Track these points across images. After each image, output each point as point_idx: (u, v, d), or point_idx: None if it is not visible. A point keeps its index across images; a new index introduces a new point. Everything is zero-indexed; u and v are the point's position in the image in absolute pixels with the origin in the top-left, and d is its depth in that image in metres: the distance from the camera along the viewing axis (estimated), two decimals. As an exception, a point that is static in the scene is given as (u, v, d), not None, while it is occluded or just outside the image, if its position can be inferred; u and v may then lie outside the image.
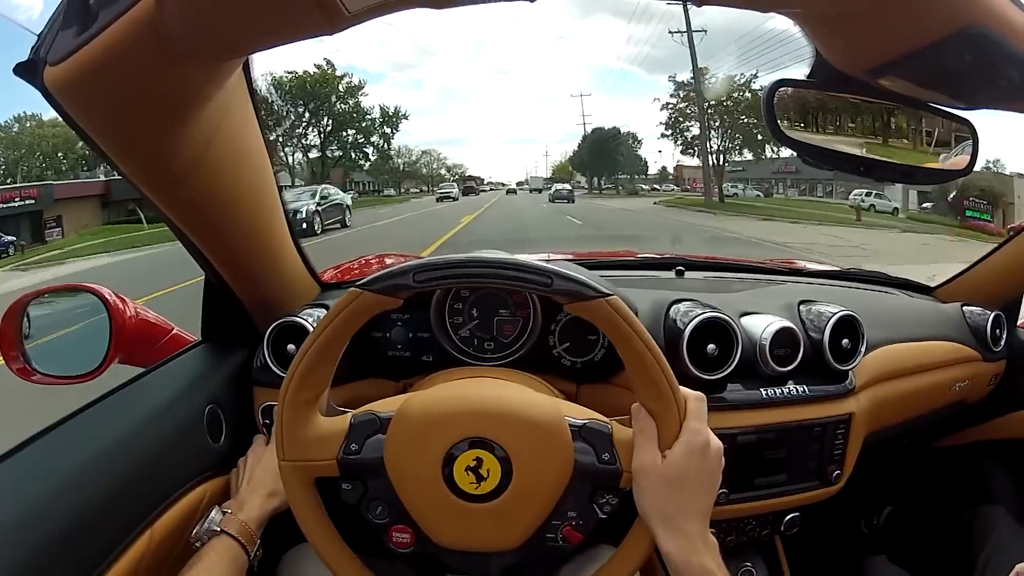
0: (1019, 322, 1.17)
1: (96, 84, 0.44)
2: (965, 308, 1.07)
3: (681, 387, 0.55)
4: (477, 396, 0.58)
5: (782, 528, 0.87)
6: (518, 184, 59.40)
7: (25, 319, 0.91)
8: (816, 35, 0.53)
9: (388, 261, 1.17)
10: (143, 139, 0.52)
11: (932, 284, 1.19)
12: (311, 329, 0.76)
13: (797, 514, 0.87)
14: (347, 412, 0.59)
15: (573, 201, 27.37)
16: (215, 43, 0.45)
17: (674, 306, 0.80)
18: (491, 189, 56.73)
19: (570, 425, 0.55)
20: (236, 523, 0.67)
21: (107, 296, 0.87)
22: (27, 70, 0.45)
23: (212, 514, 0.67)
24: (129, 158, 0.54)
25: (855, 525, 1.20)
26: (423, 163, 51.25)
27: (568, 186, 33.68)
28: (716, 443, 0.56)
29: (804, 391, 0.81)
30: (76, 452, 0.60)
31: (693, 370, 0.76)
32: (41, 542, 0.51)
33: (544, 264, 0.54)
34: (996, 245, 1.10)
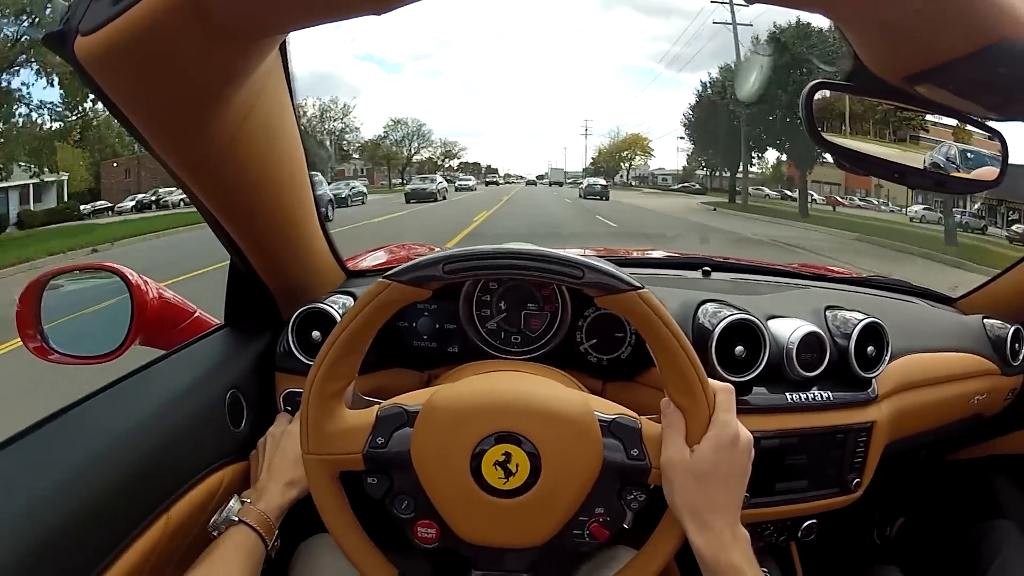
0: None
1: (130, 57, 0.42)
2: (986, 320, 1.07)
3: (710, 379, 0.55)
4: (507, 390, 0.57)
5: (799, 534, 0.87)
6: (538, 177, 56.66)
7: (43, 298, 0.90)
8: (856, 38, 0.53)
9: (412, 252, 1.17)
10: (176, 116, 0.51)
11: (954, 295, 1.18)
12: (336, 316, 0.76)
13: (815, 521, 0.87)
14: (373, 403, 0.59)
15: (607, 198, 24.33)
16: (258, 19, 0.44)
17: (703, 306, 0.80)
18: (507, 182, 54.38)
19: (599, 421, 0.55)
20: (254, 513, 0.66)
21: (129, 276, 0.86)
22: (57, 40, 0.43)
23: (231, 503, 0.66)
24: (160, 135, 0.53)
25: (867, 535, 1.19)
26: (442, 153, 46.71)
27: (602, 180, 29.71)
28: (746, 435, 0.55)
29: (828, 397, 0.81)
30: (94, 434, 0.59)
31: (721, 371, 0.75)
32: (56, 525, 0.50)
33: (576, 256, 0.53)
34: (1020, 258, 1.09)
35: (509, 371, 0.69)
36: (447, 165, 47.98)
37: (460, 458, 0.53)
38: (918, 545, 1.14)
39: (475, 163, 58.44)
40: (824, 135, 0.66)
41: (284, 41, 0.59)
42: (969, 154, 0.70)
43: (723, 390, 0.56)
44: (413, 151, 42.02)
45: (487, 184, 40.96)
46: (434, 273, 0.53)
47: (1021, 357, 1.06)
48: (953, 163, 0.69)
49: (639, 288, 0.53)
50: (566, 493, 0.54)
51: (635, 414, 0.58)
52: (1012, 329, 1.05)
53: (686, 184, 37.87)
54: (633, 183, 45.93)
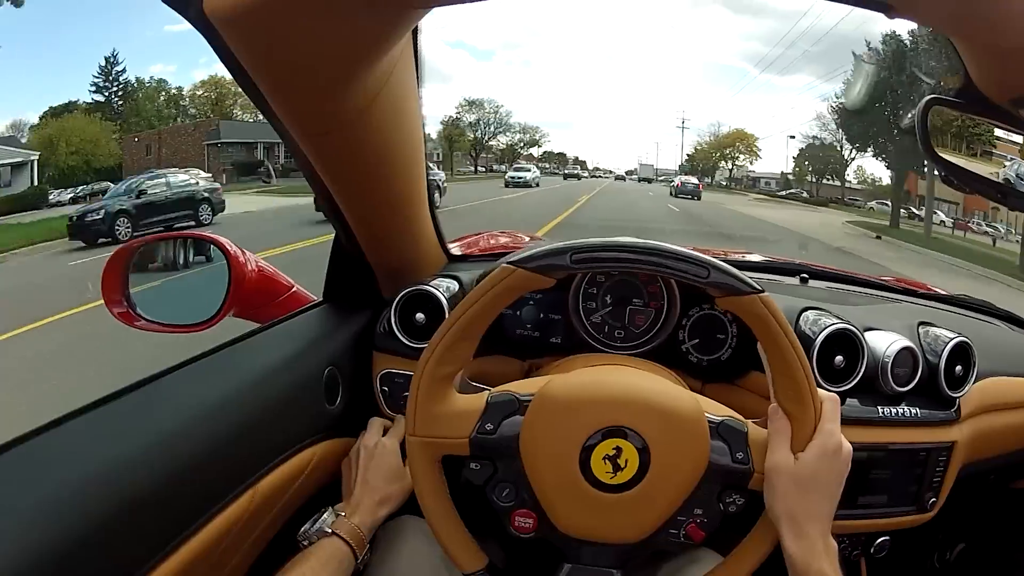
0: None
1: (264, 19, 0.41)
2: None
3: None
4: (619, 384, 0.58)
5: (872, 550, 0.86)
6: (627, 172, 54.74)
7: (136, 264, 0.92)
8: (972, 60, 0.53)
9: (512, 239, 1.17)
10: (307, 86, 0.50)
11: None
12: (442, 298, 0.77)
13: (888, 538, 0.86)
14: (482, 389, 0.59)
15: (700, 198, 23.54)
16: None
17: (804, 313, 0.80)
18: (592, 176, 51.58)
19: (708, 421, 0.55)
20: (348, 527, 0.66)
21: (228, 247, 0.88)
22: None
23: (324, 515, 0.67)
24: (288, 103, 0.52)
25: (928, 558, 1.18)
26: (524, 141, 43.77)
27: (694, 179, 28.17)
28: (847, 446, 0.56)
29: (916, 413, 0.81)
30: (186, 402, 0.59)
31: (820, 380, 0.75)
32: (146, 486, 0.49)
33: (702, 255, 0.54)
34: None
35: (620, 365, 0.69)
36: (527, 153, 45.30)
37: (570, 449, 0.54)
38: (977, 572, 1.13)
39: (560, 153, 56.65)
40: (938, 151, 0.67)
41: (416, 28, 0.61)
42: None
43: (829, 399, 0.57)
44: (488, 135, 40.03)
45: (565, 177, 37.50)
46: (562, 262, 0.54)
47: None
48: (1021, 179, 0.69)
49: (761, 292, 0.53)
50: (670, 491, 0.54)
51: (742, 417, 0.58)
52: None
53: (793, 191, 34.78)
54: (730, 185, 42.45)
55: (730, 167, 44.20)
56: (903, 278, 1.23)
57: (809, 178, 34.79)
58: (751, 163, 43.44)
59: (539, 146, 46.67)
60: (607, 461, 0.54)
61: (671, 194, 25.35)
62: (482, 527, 0.60)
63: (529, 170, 27.22)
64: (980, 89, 0.56)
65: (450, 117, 39.05)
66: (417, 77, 0.65)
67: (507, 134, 41.90)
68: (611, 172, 57.42)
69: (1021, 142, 0.73)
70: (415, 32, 0.60)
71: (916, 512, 0.84)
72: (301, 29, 0.42)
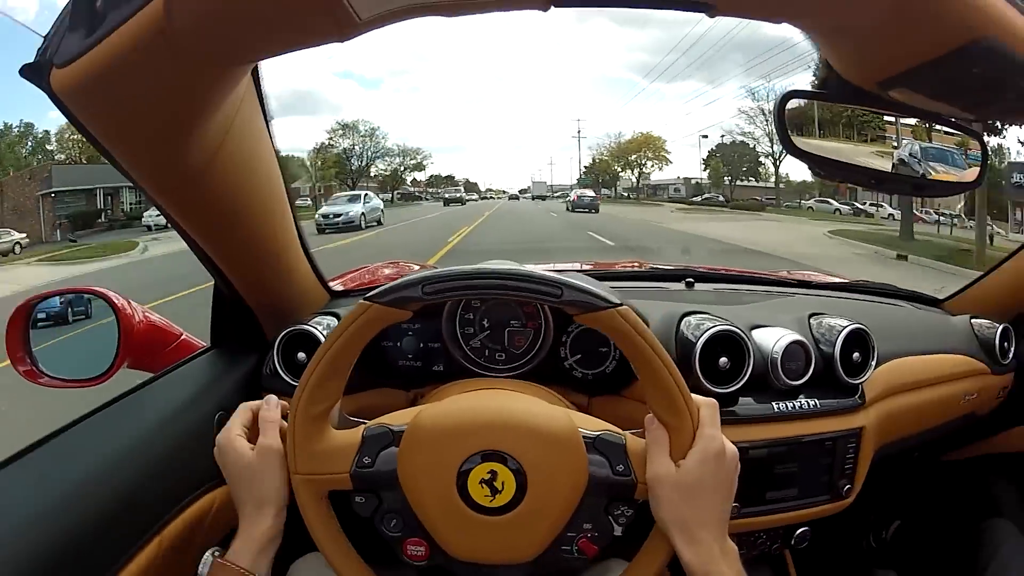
0: None
1: (104, 87, 0.44)
2: (974, 321, 1.07)
3: (693, 394, 0.55)
4: (490, 408, 0.58)
5: (792, 542, 0.87)
6: (520, 191, 54.15)
7: (32, 321, 0.91)
8: (827, 46, 0.53)
9: (398, 270, 1.17)
10: (151, 144, 0.52)
11: (940, 296, 1.18)
12: (321, 337, 0.76)
13: (807, 528, 0.86)
14: (359, 423, 0.59)
15: (597, 211, 22.20)
16: (224, 48, 0.45)
17: (685, 319, 0.80)
18: (483, 198, 48.48)
19: (584, 437, 0.55)
20: (227, 570, 0.57)
21: (115, 300, 0.87)
22: (34, 72, 0.44)
23: (203, 560, 0.60)
24: (137, 162, 0.54)
25: (863, 539, 1.19)
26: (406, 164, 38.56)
27: (591, 192, 27.01)
28: (731, 449, 0.56)
29: (815, 405, 0.81)
30: (85, 457, 0.60)
31: (705, 383, 0.75)
32: (49, 547, 0.50)
33: (554, 275, 0.54)
34: (1005, 257, 1.10)
35: (493, 389, 0.69)
36: (411, 179, 40.91)
37: (446, 476, 0.54)
38: (915, 547, 1.14)
39: (448, 176, 53.68)
40: (797, 143, 0.66)
41: (256, 67, 0.60)
42: (931, 150, 0.70)
43: (707, 405, 0.56)
44: (366, 161, 35.01)
45: (446, 203, 30.88)
46: (414, 294, 0.53)
47: (1011, 355, 1.07)
48: (915, 159, 0.70)
49: (618, 305, 0.53)
50: (552, 509, 0.54)
51: (620, 430, 0.58)
52: (1000, 328, 1.05)
53: (708, 196, 32.50)
54: (634, 196, 39.72)
55: (636, 175, 40.69)
56: (795, 271, 1.24)
57: (727, 180, 32.97)
58: (660, 168, 40.07)
59: (423, 170, 41.48)
60: (484, 485, 0.53)
61: (568, 209, 23.82)
62: (380, 557, 0.60)
63: (358, 199, 16.73)
64: (844, 77, 0.56)
65: (321, 144, 34.85)
66: (265, 117, 0.65)
67: (386, 158, 36.83)
68: (504, 192, 56.77)
69: (913, 124, 0.74)
70: (255, 73, 0.60)
71: (831, 500, 0.84)
72: (132, 97, 0.46)
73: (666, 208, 28.74)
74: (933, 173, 0.69)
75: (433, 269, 0.57)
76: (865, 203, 24.01)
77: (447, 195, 35.16)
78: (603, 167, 43.33)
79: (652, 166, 39.75)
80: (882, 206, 22.32)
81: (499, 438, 0.54)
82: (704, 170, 35.84)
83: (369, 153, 35.66)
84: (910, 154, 0.70)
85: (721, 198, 31.73)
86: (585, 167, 45.39)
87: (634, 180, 41.55)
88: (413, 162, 39.05)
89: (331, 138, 35.00)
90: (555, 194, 44.24)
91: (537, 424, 0.55)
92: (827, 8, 0.46)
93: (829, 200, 25.95)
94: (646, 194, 40.37)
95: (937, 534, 1.13)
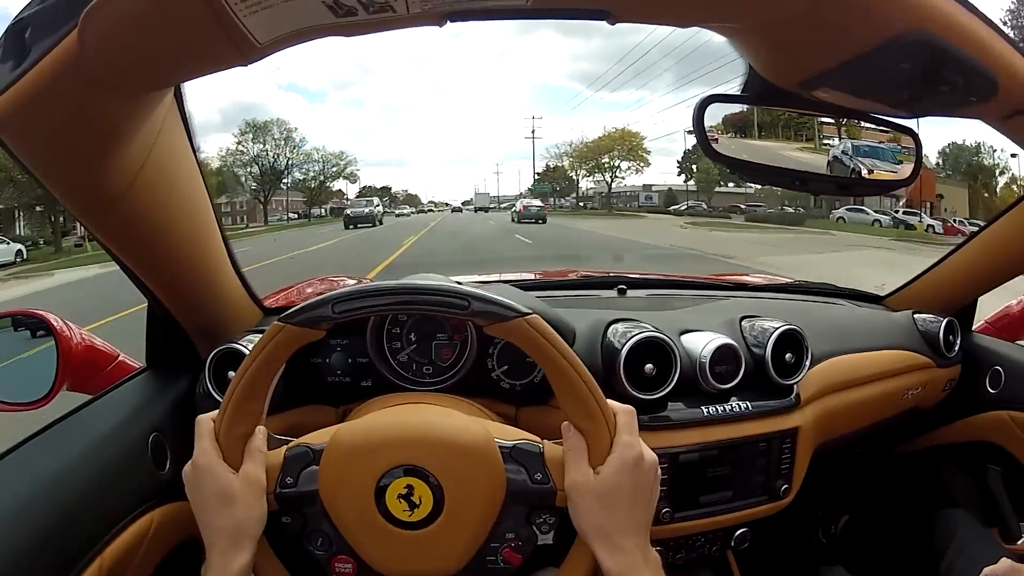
0: (974, 326, 1.19)
1: (28, 117, 0.46)
2: (916, 316, 1.09)
3: (610, 401, 0.55)
4: (405, 424, 0.58)
5: (732, 543, 0.88)
6: (463, 203, 52.59)
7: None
8: (745, 48, 0.53)
9: (332, 285, 1.17)
10: (73, 168, 0.53)
11: (881, 293, 1.20)
12: None
13: (747, 529, 0.87)
14: (286, 442, 0.59)
15: (545, 221, 21.36)
16: (134, 76, 0.47)
17: (612, 326, 0.81)
18: (420, 212, 45.95)
19: (500, 447, 0.56)
20: None
21: (53, 322, 0.87)
22: None
23: None
24: (62, 186, 0.55)
25: (812, 535, 1.21)
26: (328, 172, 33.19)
27: (538, 202, 25.68)
28: (650, 455, 0.56)
29: (747, 407, 0.82)
30: (20, 482, 0.60)
31: (631, 390, 0.76)
32: None
33: (461, 287, 0.54)
34: (946, 252, 1.12)
35: (412, 404, 0.69)
36: (336, 189, 35.63)
37: (364, 493, 0.54)
38: (865, 541, 1.16)
39: (384, 187, 50.64)
40: (718, 147, 0.66)
41: (179, 89, 0.61)
42: (864, 148, 0.70)
43: (624, 412, 0.56)
44: (284, 168, 30.17)
45: (349, 225, 21.99)
46: (324, 314, 0.54)
47: (956, 348, 1.08)
48: (847, 155, 0.70)
49: (527, 314, 0.53)
50: (472, 521, 0.55)
51: (537, 438, 0.58)
52: (945, 321, 1.06)
53: (692, 205, 29.37)
54: (590, 206, 35.33)
55: (609, 179, 34.39)
56: (733, 273, 1.25)
57: (720, 186, 28.75)
58: (638, 171, 34.05)
59: (350, 179, 35.90)
60: (402, 500, 0.54)
61: (513, 220, 22.47)
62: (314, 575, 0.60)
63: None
64: (766, 78, 0.56)
65: (227, 149, 30.44)
66: (189, 137, 0.66)
67: (304, 166, 31.73)
68: (448, 205, 54.56)
69: (837, 123, 0.74)
70: (179, 95, 0.61)
71: (769, 501, 0.85)
72: (53, 125, 0.48)
73: (662, 221, 23.06)
74: (865, 171, 0.69)
75: (353, 285, 0.58)
76: (897, 211, 20.45)
77: (351, 211, 24.31)
78: (560, 173, 38.58)
79: (628, 168, 34.16)
80: (916, 213, 19.51)
81: (414, 453, 0.54)
82: (680, 175, 32.60)
83: (284, 159, 30.59)
84: (843, 152, 0.71)
85: (704, 207, 28.91)
86: (538, 174, 41.13)
87: (594, 188, 36.85)
88: (335, 169, 33.46)
89: (240, 142, 30.33)
90: (501, 205, 42.03)
91: (451, 437, 0.56)
92: (733, 9, 0.45)
93: (863, 208, 21.10)
94: (607, 204, 35.16)
95: (887, 527, 1.15)
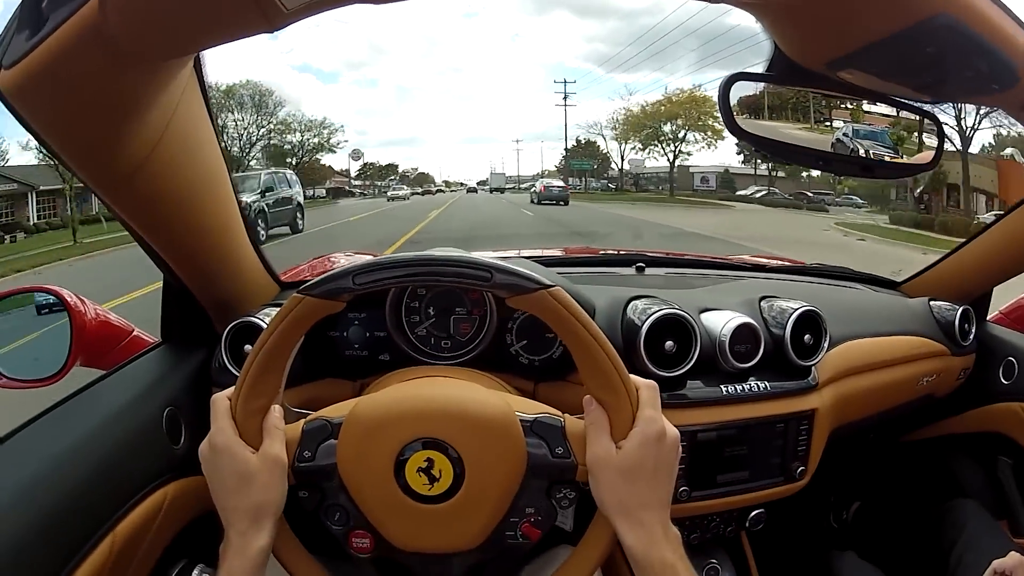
0: (989, 316, 1.18)
1: (46, 86, 0.45)
2: (932, 303, 1.08)
3: (632, 376, 0.55)
4: (425, 397, 0.58)
5: (747, 524, 0.88)
6: (479, 183, 50.46)
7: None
8: (772, 27, 0.52)
9: (347, 261, 1.16)
10: (92, 139, 0.52)
11: (898, 279, 1.19)
12: None
13: (762, 510, 0.87)
14: (303, 415, 0.59)
15: (567, 203, 20.36)
16: (157, 44, 0.46)
17: (632, 303, 0.80)
18: (428, 193, 42.31)
19: (521, 421, 0.55)
20: None
21: (67, 298, 0.86)
22: None
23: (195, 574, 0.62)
24: (79, 158, 0.54)
25: (824, 520, 1.20)
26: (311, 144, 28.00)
27: (559, 182, 23.79)
28: (672, 431, 0.55)
29: (765, 387, 0.82)
30: (35, 458, 0.60)
31: (651, 367, 0.76)
32: (3, 547, 0.50)
33: (484, 259, 0.54)
34: (964, 240, 1.11)
35: (431, 377, 0.69)
36: (319, 163, 30.42)
37: (384, 467, 0.54)
38: (876, 527, 1.16)
39: (389, 165, 46.64)
40: (743, 126, 0.65)
41: (199, 60, 0.60)
42: (862, 131, 0.70)
43: (646, 387, 0.55)
44: (257, 140, 25.42)
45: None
46: (345, 285, 0.53)
47: (971, 337, 1.08)
48: (847, 137, 0.70)
49: (550, 286, 0.52)
50: (492, 495, 0.54)
51: (559, 412, 0.58)
52: (960, 310, 1.06)
53: (767, 192, 22.87)
54: (637, 187, 29.36)
55: (672, 155, 26.16)
56: (751, 254, 1.25)
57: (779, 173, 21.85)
58: (709, 144, 26.03)
59: (332, 151, 29.52)
60: (422, 474, 0.53)
61: (532, 201, 21.33)
62: (330, 549, 0.60)
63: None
64: (792, 58, 0.55)
65: None
66: (208, 111, 0.65)
67: (283, 136, 26.63)
68: (462, 184, 52.30)
69: (851, 107, 0.74)
70: (198, 68, 0.60)
71: (785, 483, 0.85)
72: (72, 95, 0.47)
73: (766, 215, 17.77)
74: (862, 152, 0.69)
75: (371, 258, 0.57)
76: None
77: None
78: (592, 151, 31.78)
79: (699, 142, 25.28)
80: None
81: (435, 426, 0.54)
82: (739, 155, 23.99)
83: (257, 129, 25.83)
84: (844, 134, 0.70)
85: (780, 194, 22.52)
86: (567, 150, 34.13)
87: (628, 167, 29.11)
88: (317, 139, 28.09)
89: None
90: (521, 185, 39.79)
91: (472, 410, 0.55)
92: None
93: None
94: (632, 184, 29.59)
95: (898, 514, 1.14)
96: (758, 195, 22.95)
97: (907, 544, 1.07)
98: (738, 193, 24.69)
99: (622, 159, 30.20)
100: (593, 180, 33.44)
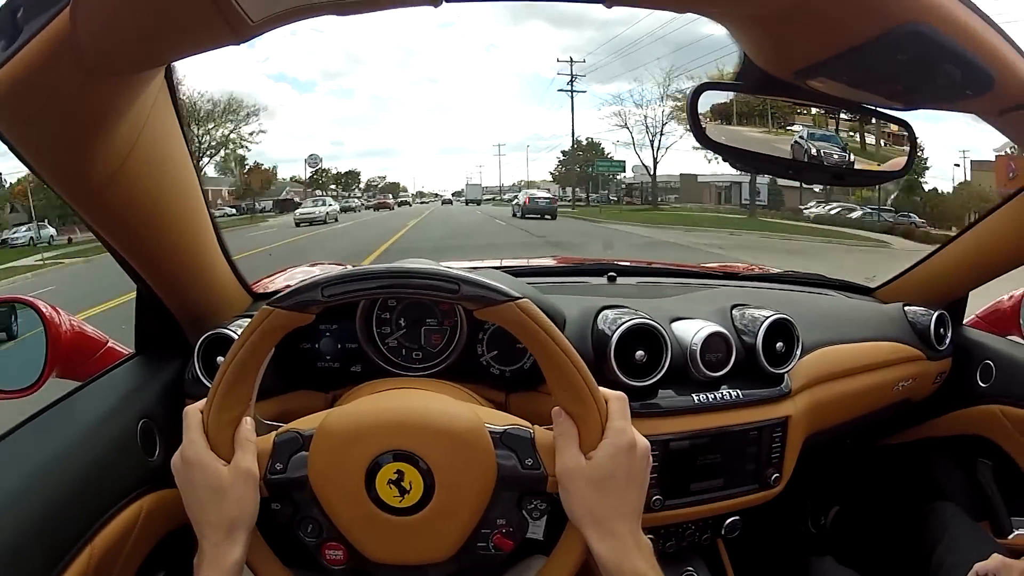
0: (965, 320, 1.20)
1: (18, 98, 0.45)
2: (907, 308, 1.09)
3: (601, 387, 0.55)
4: (395, 408, 0.58)
5: (723, 532, 0.88)
6: (454, 194, 49.65)
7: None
8: (741, 36, 0.53)
9: (319, 271, 1.17)
10: (63, 150, 0.53)
11: (872, 285, 1.21)
12: None
13: (737, 518, 0.87)
14: (275, 427, 0.59)
15: (555, 216, 18.32)
16: (127, 56, 0.46)
17: (603, 312, 0.81)
18: (401, 204, 41.98)
19: (490, 432, 0.55)
20: None
21: (42, 308, 0.86)
22: None
23: None
24: (51, 169, 0.55)
25: (801, 526, 1.21)
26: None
27: (545, 193, 21.90)
28: (642, 442, 0.55)
29: (737, 395, 0.82)
30: (12, 472, 0.59)
31: (622, 377, 0.76)
32: None
33: (451, 271, 0.54)
34: (939, 246, 1.12)
35: (402, 389, 0.69)
36: (242, 162, 25.91)
37: (354, 479, 0.54)
38: (855, 532, 1.16)
39: (350, 172, 43.22)
40: (711, 136, 0.66)
41: (170, 72, 0.61)
42: (816, 134, 0.71)
43: (615, 398, 0.56)
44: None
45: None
46: (314, 297, 0.53)
47: (947, 341, 1.09)
48: (803, 139, 0.70)
49: (517, 298, 0.53)
50: (463, 507, 0.54)
51: (528, 424, 0.58)
52: (936, 315, 1.07)
53: (882, 213, 17.34)
54: (617, 199, 28.23)
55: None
56: (723, 263, 1.26)
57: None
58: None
59: (243, 146, 25.23)
60: (392, 486, 0.54)
61: (515, 215, 19.33)
62: (305, 561, 0.60)
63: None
64: (762, 67, 0.56)
65: None
66: (180, 121, 0.65)
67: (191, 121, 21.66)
68: (437, 195, 51.83)
69: (814, 112, 0.74)
70: (169, 79, 0.60)
71: (760, 490, 0.85)
72: (45, 103, 0.47)
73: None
74: (815, 152, 0.69)
75: (341, 270, 0.58)
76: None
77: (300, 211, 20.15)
78: (593, 156, 28.61)
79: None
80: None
81: (404, 438, 0.54)
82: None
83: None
84: (800, 137, 0.70)
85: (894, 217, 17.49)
86: (564, 152, 32.06)
87: (633, 176, 26.92)
88: (221, 132, 23.91)
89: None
90: (504, 195, 38.32)
91: (441, 422, 0.55)
92: None
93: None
94: (640, 197, 26.99)
95: (878, 518, 1.15)
96: (829, 211, 17.83)
97: (887, 548, 1.08)
98: (802, 210, 20.36)
99: (655, 164, 27.25)
100: (578, 190, 30.81)
